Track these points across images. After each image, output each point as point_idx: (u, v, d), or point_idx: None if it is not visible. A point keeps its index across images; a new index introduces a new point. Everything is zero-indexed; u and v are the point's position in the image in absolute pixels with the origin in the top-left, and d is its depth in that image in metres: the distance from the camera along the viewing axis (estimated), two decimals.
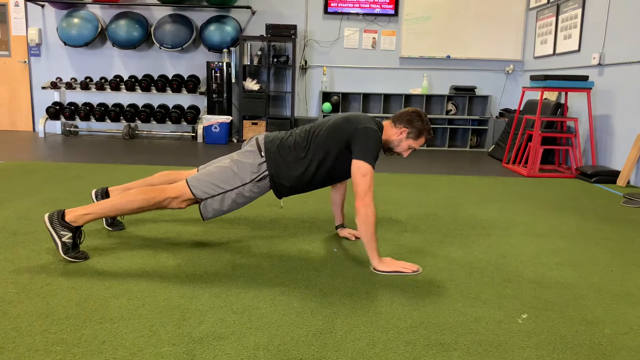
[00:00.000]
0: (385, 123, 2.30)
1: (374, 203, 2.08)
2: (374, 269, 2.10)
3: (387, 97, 6.87)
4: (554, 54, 5.89)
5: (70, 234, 2.07)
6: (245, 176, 2.18)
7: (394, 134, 2.27)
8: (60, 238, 2.06)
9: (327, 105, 6.55)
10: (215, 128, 6.32)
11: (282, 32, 6.40)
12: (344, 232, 2.59)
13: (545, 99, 5.54)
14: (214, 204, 2.18)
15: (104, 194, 2.50)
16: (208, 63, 6.40)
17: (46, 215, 2.07)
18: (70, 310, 1.67)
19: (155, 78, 6.74)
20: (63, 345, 1.45)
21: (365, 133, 2.14)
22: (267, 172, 2.20)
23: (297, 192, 2.31)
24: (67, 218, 2.07)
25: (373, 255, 2.11)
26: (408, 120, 2.26)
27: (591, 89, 4.72)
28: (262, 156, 2.20)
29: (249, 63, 6.54)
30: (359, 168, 2.09)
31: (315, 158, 2.21)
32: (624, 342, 1.60)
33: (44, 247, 2.26)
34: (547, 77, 4.68)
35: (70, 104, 6.63)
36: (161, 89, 6.51)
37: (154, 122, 6.53)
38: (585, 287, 2.04)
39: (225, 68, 6.40)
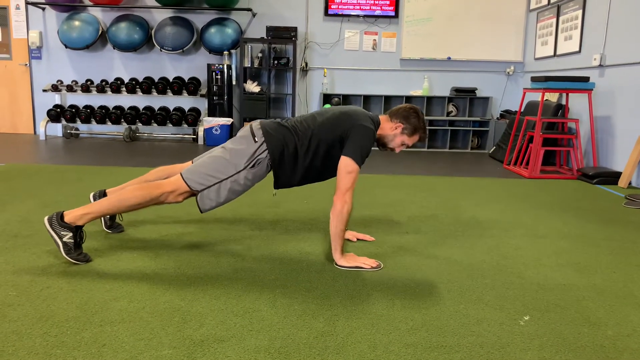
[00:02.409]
0: (382, 117, 2.31)
1: (352, 201, 2.12)
2: (336, 264, 2.14)
3: (388, 99, 6.87)
4: (554, 55, 5.88)
5: (70, 234, 2.07)
6: (239, 163, 2.16)
7: (389, 128, 2.29)
8: (60, 238, 2.06)
9: (328, 107, 6.54)
10: (216, 130, 6.32)
11: (282, 34, 6.40)
12: (346, 235, 2.58)
13: (546, 100, 5.54)
14: (210, 195, 2.16)
15: (102, 196, 2.50)
16: (209, 65, 6.40)
17: (46, 218, 2.08)
18: (71, 313, 1.67)
19: (156, 80, 6.75)
20: (63, 349, 1.45)
21: (361, 131, 2.16)
22: (261, 157, 2.17)
23: (291, 181, 2.28)
24: (66, 219, 2.07)
25: (336, 250, 2.15)
26: (404, 116, 2.28)
27: (592, 90, 4.71)
28: (255, 141, 2.19)
29: (249, 65, 6.54)
30: (346, 165, 2.12)
31: (310, 148, 2.21)
32: (627, 343, 1.59)
33: (45, 250, 2.26)
34: (547, 79, 4.68)
35: (71, 106, 6.64)
36: (162, 92, 6.51)
37: (155, 125, 6.53)
38: (588, 288, 2.03)
39: (226, 70, 6.40)
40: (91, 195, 2.52)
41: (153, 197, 2.12)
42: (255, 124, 2.27)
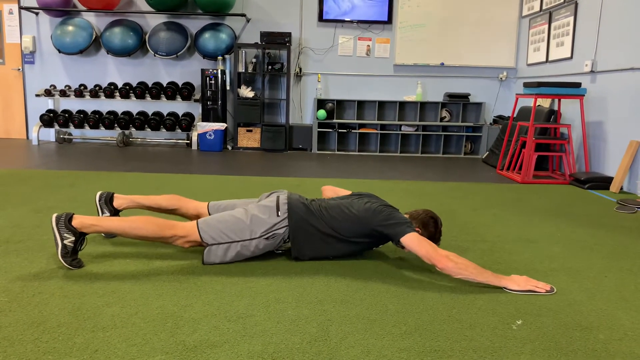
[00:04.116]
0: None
1: (447, 251, 2.05)
2: (506, 288, 2.03)
3: (382, 104, 6.89)
4: (546, 61, 5.93)
5: (73, 238, 2.07)
6: (255, 230, 2.17)
7: None
8: (62, 240, 2.06)
9: (322, 113, 6.56)
10: (210, 135, 6.31)
11: (276, 40, 6.42)
12: None
13: (538, 105, 5.58)
14: (218, 252, 2.17)
15: (108, 199, 2.50)
16: (202, 70, 6.40)
17: (54, 216, 2.08)
18: (63, 318, 1.66)
19: (150, 85, 6.74)
20: (55, 354, 1.44)
21: (393, 215, 2.18)
22: (278, 232, 2.19)
23: (313, 259, 2.31)
24: (74, 223, 2.07)
25: (498, 281, 2.04)
26: (424, 223, 2.28)
27: (584, 95, 4.75)
28: (277, 215, 2.20)
29: (243, 70, 6.55)
30: (411, 241, 2.09)
31: (335, 236, 2.23)
32: (618, 347, 1.60)
33: (37, 256, 2.25)
34: (540, 84, 4.72)
35: (64, 111, 6.61)
36: (155, 97, 6.51)
37: (148, 130, 6.52)
38: (580, 293, 2.04)
39: (219, 75, 6.41)
40: (98, 194, 2.51)
41: (163, 236, 2.13)
42: (283, 197, 2.27)
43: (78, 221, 2.08)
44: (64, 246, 2.07)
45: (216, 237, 2.16)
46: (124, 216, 2.22)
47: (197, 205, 2.50)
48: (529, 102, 6.22)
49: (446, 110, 6.83)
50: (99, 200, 2.50)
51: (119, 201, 2.52)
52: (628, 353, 1.56)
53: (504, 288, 2.04)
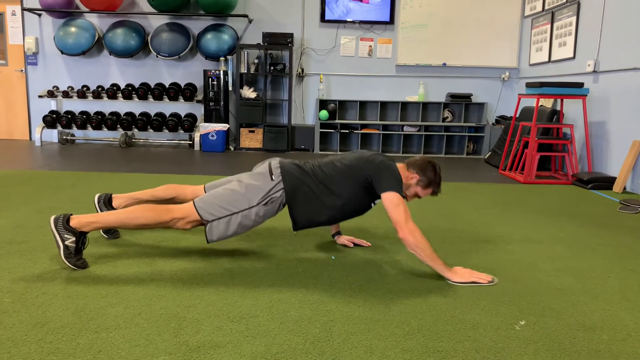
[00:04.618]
0: (400, 165, 2.31)
1: (416, 226, 2.07)
2: (449, 280, 2.08)
3: (384, 105, 6.89)
4: (549, 61, 5.92)
5: (73, 238, 2.07)
6: (252, 199, 2.16)
7: (405, 177, 2.28)
8: (63, 241, 2.06)
9: (324, 113, 6.56)
10: (212, 136, 6.32)
11: (278, 40, 6.43)
12: (342, 240, 2.58)
13: (541, 105, 5.57)
14: (220, 227, 2.16)
15: (107, 200, 2.51)
16: (205, 71, 6.41)
17: (52, 218, 2.08)
18: (66, 319, 1.66)
19: (152, 86, 6.75)
20: (59, 355, 1.44)
21: (386, 166, 2.18)
22: (275, 196, 2.18)
23: (311, 223, 2.27)
24: (72, 223, 2.07)
25: (443, 271, 2.08)
26: (422, 168, 2.28)
27: (586, 95, 4.74)
28: (272, 180, 2.20)
29: (245, 71, 6.56)
30: (391, 200, 2.09)
31: (331, 192, 2.21)
32: (622, 348, 1.59)
33: (40, 256, 2.25)
34: (542, 84, 4.71)
35: (67, 112, 6.63)
36: (158, 97, 6.52)
37: (151, 131, 6.53)
38: (583, 293, 2.04)
39: (222, 76, 6.41)
40: (96, 196, 2.52)
41: (162, 221, 2.12)
42: (275, 162, 2.27)
43: (76, 221, 2.08)
44: (66, 247, 2.07)
45: (214, 212, 2.15)
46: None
47: (194, 189, 2.50)
48: (531, 102, 6.21)
49: (448, 110, 6.83)
50: (98, 202, 2.50)
51: (117, 201, 2.52)
52: (631, 353, 1.56)
53: (448, 280, 2.08)
